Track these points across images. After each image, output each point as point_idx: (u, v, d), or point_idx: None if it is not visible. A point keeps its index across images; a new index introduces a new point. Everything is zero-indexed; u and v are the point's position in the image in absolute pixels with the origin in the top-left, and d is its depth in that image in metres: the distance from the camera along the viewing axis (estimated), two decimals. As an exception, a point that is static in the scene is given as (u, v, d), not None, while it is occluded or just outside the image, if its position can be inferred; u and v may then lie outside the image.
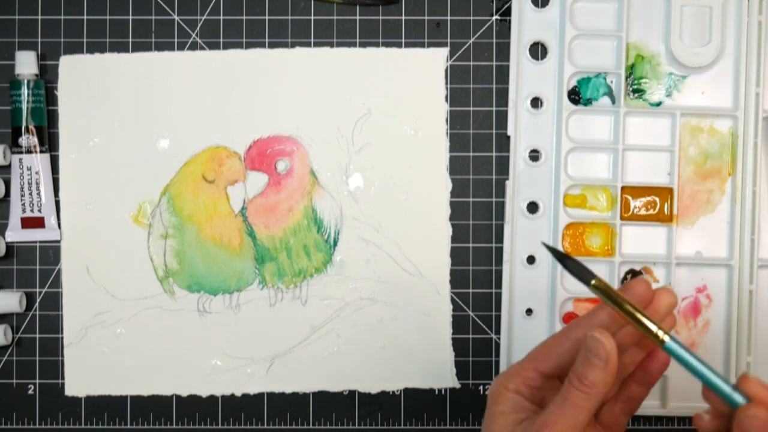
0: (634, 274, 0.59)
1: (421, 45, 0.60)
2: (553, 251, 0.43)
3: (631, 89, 0.59)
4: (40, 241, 0.60)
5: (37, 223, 0.59)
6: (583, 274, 0.42)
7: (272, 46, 0.60)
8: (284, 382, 0.60)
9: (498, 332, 0.60)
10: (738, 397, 0.39)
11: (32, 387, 0.60)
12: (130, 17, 0.60)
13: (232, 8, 0.60)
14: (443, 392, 0.60)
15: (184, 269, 0.60)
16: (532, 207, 0.59)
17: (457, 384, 0.60)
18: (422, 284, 0.60)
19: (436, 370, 0.60)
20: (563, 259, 0.43)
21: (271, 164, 0.60)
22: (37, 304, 0.60)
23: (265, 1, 0.60)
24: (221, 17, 0.60)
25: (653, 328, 0.40)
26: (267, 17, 0.60)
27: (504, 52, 0.60)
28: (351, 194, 0.60)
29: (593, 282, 0.41)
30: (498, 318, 0.60)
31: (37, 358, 0.60)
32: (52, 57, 0.59)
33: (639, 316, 0.40)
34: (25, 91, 0.58)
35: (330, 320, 0.60)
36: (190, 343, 0.60)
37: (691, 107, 0.59)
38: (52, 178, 0.59)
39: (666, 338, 0.40)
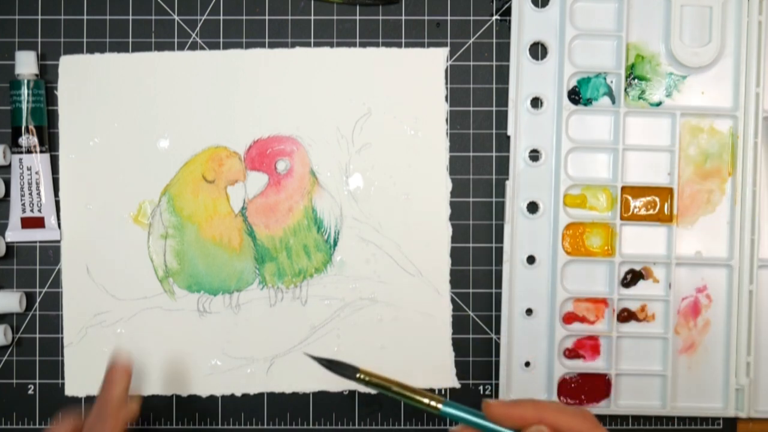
0: (634, 274, 0.59)
1: (421, 45, 0.60)
2: (317, 360, 0.45)
3: (631, 89, 0.59)
4: (40, 241, 0.60)
5: (37, 223, 0.59)
6: (346, 370, 0.44)
7: (272, 46, 0.60)
8: (284, 382, 0.60)
9: (498, 332, 0.60)
10: None
11: (32, 387, 0.60)
12: (130, 17, 0.60)
13: (232, 8, 0.60)
14: (443, 392, 0.60)
15: (184, 269, 0.60)
16: (532, 207, 0.59)
17: (457, 384, 0.60)
18: (422, 284, 0.60)
19: (436, 370, 0.60)
20: (327, 364, 0.45)
21: (271, 164, 0.60)
22: (37, 304, 0.60)
23: (265, 1, 0.60)
24: (221, 17, 0.60)
25: (424, 399, 0.43)
26: (267, 17, 0.60)
27: (504, 52, 0.60)
28: (351, 194, 0.60)
29: (358, 375, 0.43)
30: (498, 318, 0.60)
31: (37, 358, 0.60)
32: (52, 57, 0.59)
33: (410, 393, 0.43)
34: (25, 91, 0.58)
35: (330, 320, 0.60)
36: (190, 343, 0.60)
37: (691, 107, 0.59)
38: (52, 178, 0.59)
39: (440, 406, 0.42)
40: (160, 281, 0.60)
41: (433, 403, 0.42)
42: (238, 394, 0.60)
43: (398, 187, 0.60)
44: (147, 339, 0.59)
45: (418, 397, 0.43)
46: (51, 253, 0.60)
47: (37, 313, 0.60)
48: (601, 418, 0.60)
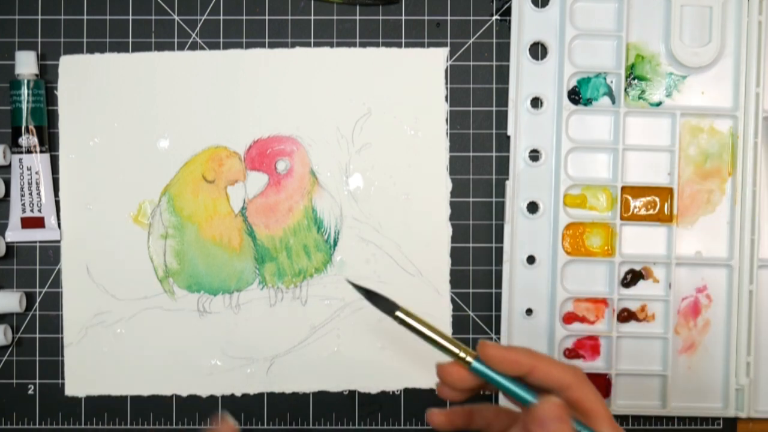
0: (634, 274, 0.59)
1: (421, 45, 0.60)
2: (357, 288, 0.45)
3: (631, 89, 0.59)
4: (40, 241, 0.60)
5: (37, 223, 0.59)
6: (385, 305, 0.43)
7: (272, 46, 0.60)
8: (284, 382, 0.60)
9: (498, 332, 0.60)
10: (532, 399, 0.41)
11: (32, 387, 0.60)
12: (130, 17, 0.60)
13: (232, 8, 0.60)
14: (443, 392, 0.60)
15: (184, 269, 0.60)
16: (532, 207, 0.59)
17: (457, 384, 0.60)
18: (422, 284, 0.60)
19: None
20: (367, 294, 0.44)
21: (271, 164, 0.60)
22: (37, 304, 0.60)
23: (265, 1, 0.60)
24: (221, 17, 0.60)
25: (456, 350, 0.42)
26: (267, 17, 0.60)
27: (504, 52, 0.60)
28: (351, 194, 0.60)
29: (396, 313, 0.43)
30: (498, 318, 0.60)
31: (37, 358, 0.60)
32: (52, 57, 0.59)
33: (443, 342, 0.42)
34: (25, 91, 0.58)
35: (330, 320, 0.60)
36: (190, 343, 0.60)
37: (691, 107, 0.59)
38: (52, 178, 0.59)
39: (470, 359, 0.42)
40: (160, 281, 0.60)
41: (462, 355, 0.42)
42: (238, 394, 0.60)
43: (398, 187, 0.60)
44: (147, 339, 0.59)
45: (451, 347, 0.42)
46: (51, 253, 0.60)
47: (37, 313, 0.60)
48: (601, 418, 0.60)
